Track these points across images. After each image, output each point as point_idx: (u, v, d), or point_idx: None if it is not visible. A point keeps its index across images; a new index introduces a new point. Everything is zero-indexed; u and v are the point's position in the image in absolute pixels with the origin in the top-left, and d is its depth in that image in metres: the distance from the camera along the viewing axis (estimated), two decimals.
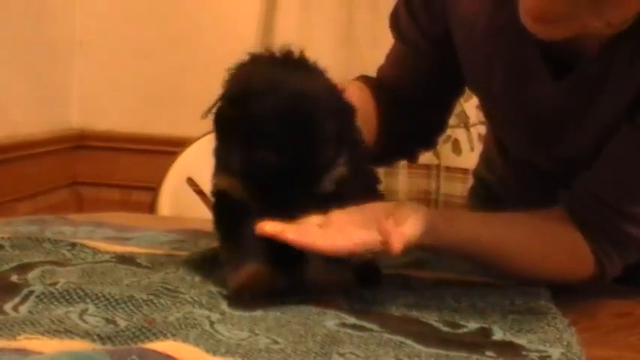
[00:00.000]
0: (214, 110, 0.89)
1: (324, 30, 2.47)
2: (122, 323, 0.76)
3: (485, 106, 1.22)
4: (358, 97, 1.10)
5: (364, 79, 1.22)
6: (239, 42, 2.53)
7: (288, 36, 2.44)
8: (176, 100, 2.64)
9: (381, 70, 1.26)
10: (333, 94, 0.89)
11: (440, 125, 1.29)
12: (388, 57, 1.26)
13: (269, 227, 0.82)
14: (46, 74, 2.53)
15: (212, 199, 0.94)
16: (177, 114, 2.61)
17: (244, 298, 0.84)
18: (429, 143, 1.29)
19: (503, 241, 0.98)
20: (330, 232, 0.85)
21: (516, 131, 1.15)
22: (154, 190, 1.75)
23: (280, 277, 0.87)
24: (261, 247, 0.86)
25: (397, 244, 0.83)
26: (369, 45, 2.44)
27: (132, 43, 2.65)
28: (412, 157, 1.30)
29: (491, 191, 1.34)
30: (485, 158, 1.37)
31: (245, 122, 0.84)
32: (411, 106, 1.20)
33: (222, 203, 0.92)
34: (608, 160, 1.01)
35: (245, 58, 0.91)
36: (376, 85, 1.21)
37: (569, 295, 0.98)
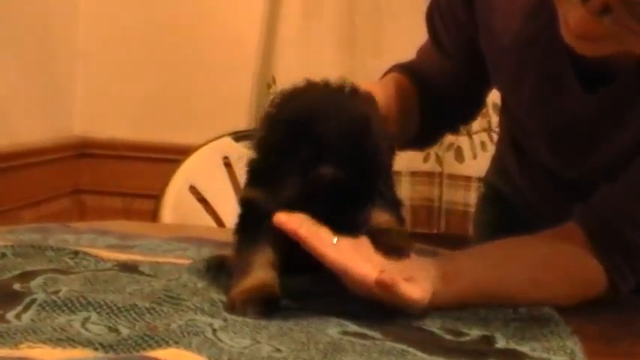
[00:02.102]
0: (268, 129, 0.90)
1: (327, 39, 2.47)
2: (124, 331, 0.76)
3: (511, 113, 1.22)
4: (398, 87, 1.19)
5: (399, 68, 1.26)
6: (241, 51, 2.55)
7: (290, 45, 2.45)
8: (179, 108, 2.64)
9: (416, 61, 1.28)
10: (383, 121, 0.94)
11: (477, 105, 1.31)
12: (422, 51, 1.28)
13: (286, 219, 0.83)
14: (49, 82, 2.53)
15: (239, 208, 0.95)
16: (179, 122, 2.62)
17: (241, 308, 0.84)
18: (468, 118, 1.36)
19: (509, 282, 0.97)
20: (347, 249, 0.85)
21: (543, 141, 1.14)
22: (156, 198, 1.75)
23: (282, 291, 0.88)
24: (274, 258, 0.88)
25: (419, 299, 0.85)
26: (372, 54, 2.44)
27: (134, 51, 2.65)
28: (454, 130, 1.38)
29: (503, 198, 1.34)
30: (498, 167, 1.37)
31: (312, 142, 0.86)
32: (446, 93, 1.24)
33: (247, 213, 0.93)
34: (631, 175, 1.00)
35: (299, 84, 0.96)
36: (412, 71, 1.24)
37: None
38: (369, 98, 0.94)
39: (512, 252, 1.00)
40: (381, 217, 0.92)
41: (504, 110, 1.28)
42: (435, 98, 1.23)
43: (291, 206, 0.86)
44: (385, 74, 1.27)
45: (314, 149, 0.85)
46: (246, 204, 0.94)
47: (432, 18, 1.23)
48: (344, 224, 0.87)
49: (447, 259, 0.99)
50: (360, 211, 0.89)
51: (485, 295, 0.94)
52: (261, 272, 0.87)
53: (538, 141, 1.15)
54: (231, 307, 0.85)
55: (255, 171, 0.92)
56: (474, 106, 1.32)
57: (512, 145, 1.27)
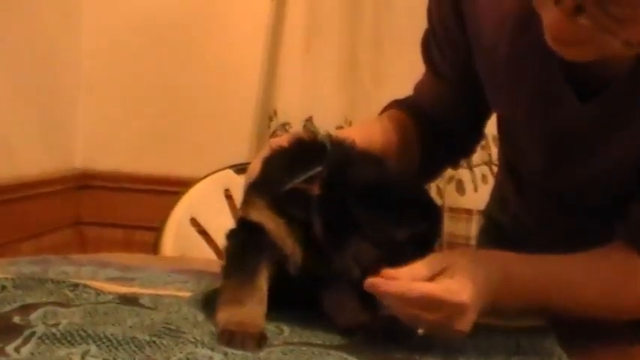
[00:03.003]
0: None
1: (328, 71, 2.49)
2: None
3: (508, 131, 1.22)
4: (396, 123, 1.20)
5: (397, 104, 1.26)
6: (243, 84, 2.56)
7: (292, 78, 2.46)
8: (180, 140, 2.65)
9: (414, 96, 1.29)
10: None
11: (476, 136, 1.32)
12: (420, 85, 1.29)
13: (377, 282, 0.86)
14: (51, 114, 2.54)
15: (235, 226, 0.97)
16: (180, 154, 2.62)
17: (231, 340, 0.84)
18: (468, 151, 1.35)
19: (560, 292, 0.98)
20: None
21: (539, 158, 1.14)
22: (157, 230, 1.75)
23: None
24: (265, 288, 0.89)
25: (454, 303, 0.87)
26: (374, 86, 2.45)
27: (136, 84, 2.67)
28: (454, 164, 1.38)
29: (502, 231, 1.33)
30: (497, 197, 1.37)
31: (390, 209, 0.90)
32: (445, 125, 1.24)
33: (245, 234, 0.94)
34: None
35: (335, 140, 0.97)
36: (410, 106, 1.25)
37: (574, 336, 0.97)
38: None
39: (559, 270, 1.00)
40: (361, 315, 0.93)
41: (501, 133, 1.27)
42: (434, 132, 1.24)
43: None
44: (383, 111, 1.28)
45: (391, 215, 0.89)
46: (245, 225, 0.94)
47: (428, 45, 1.24)
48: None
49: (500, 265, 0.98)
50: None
51: (545, 303, 0.97)
52: (255, 306, 0.88)
53: (535, 159, 1.15)
54: (229, 339, 0.84)
55: (264, 189, 0.93)
56: (473, 137, 1.32)
57: (509, 170, 1.28)
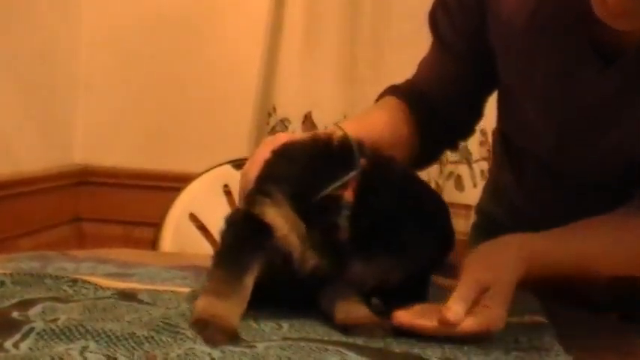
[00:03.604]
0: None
1: (327, 68, 2.49)
2: None
3: (516, 108, 1.21)
4: (395, 114, 1.20)
5: (393, 90, 1.26)
6: (242, 80, 2.56)
7: (291, 74, 2.46)
8: (178, 136, 2.65)
9: (416, 74, 1.29)
10: None
11: (476, 117, 1.31)
12: (424, 61, 1.28)
13: (403, 318, 0.89)
14: (50, 111, 2.54)
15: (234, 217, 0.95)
16: (179, 150, 2.62)
17: (202, 330, 0.84)
18: (467, 133, 1.35)
19: (591, 247, 1.02)
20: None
21: (552, 130, 1.14)
22: (156, 225, 1.75)
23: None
24: (251, 288, 0.89)
25: (496, 328, 0.90)
26: (373, 83, 2.44)
27: (135, 80, 2.66)
28: (454, 147, 1.38)
29: (495, 224, 1.34)
30: (491, 189, 1.37)
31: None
32: (445, 106, 1.24)
33: (247, 229, 0.92)
34: None
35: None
36: (408, 91, 1.25)
37: (573, 332, 0.98)
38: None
39: (588, 226, 1.04)
40: (360, 312, 0.93)
41: (505, 111, 1.27)
42: (433, 116, 1.23)
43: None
44: (379, 97, 1.27)
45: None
46: (248, 218, 0.92)
47: (436, 15, 1.23)
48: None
49: (528, 246, 1.00)
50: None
51: (571, 266, 1.00)
52: (236, 303, 0.87)
53: (546, 135, 1.15)
54: (200, 328, 0.84)
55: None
56: (472, 118, 1.31)
57: (509, 155, 1.27)
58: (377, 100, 1.28)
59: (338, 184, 0.89)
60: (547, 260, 0.99)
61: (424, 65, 1.28)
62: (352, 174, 0.90)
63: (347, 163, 0.91)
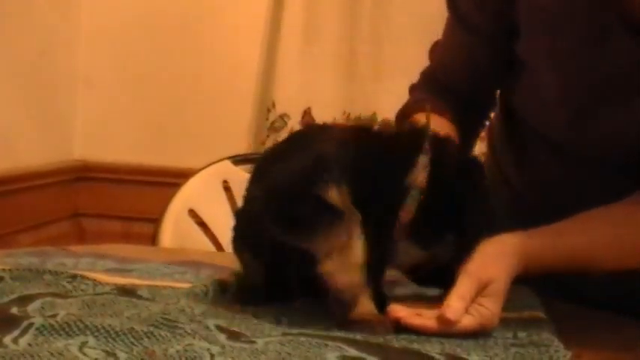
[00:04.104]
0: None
1: (327, 64, 2.49)
2: (122, 356, 0.75)
3: (531, 85, 1.19)
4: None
5: (421, 105, 1.20)
6: (241, 76, 2.56)
7: (290, 70, 2.46)
8: (178, 132, 2.65)
9: (436, 63, 1.28)
10: None
11: (493, 102, 1.30)
12: (443, 47, 1.26)
13: (401, 313, 0.89)
14: (49, 106, 2.54)
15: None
16: (178, 146, 2.62)
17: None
18: (484, 120, 1.33)
19: (590, 241, 1.01)
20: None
21: (569, 107, 1.13)
22: (155, 221, 1.75)
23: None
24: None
25: (490, 326, 0.91)
26: (372, 79, 2.45)
27: (134, 76, 2.66)
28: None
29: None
30: (488, 178, 1.36)
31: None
32: (469, 94, 1.23)
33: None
34: None
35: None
36: (431, 98, 1.22)
37: (572, 328, 0.98)
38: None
39: (587, 219, 1.03)
40: (363, 307, 0.91)
41: (519, 95, 1.24)
42: (460, 104, 1.22)
43: None
44: (408, 112, 1.22)
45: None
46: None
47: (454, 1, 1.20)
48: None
49: (526, 244, 0.99)
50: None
51: (574, 263, 1.00)
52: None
53: (563, 109, 1.14)
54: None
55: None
56: (491, 104, 1.31)
57: (512, 141, 1.26)
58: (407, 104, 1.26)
59: (414, 169, 0.91)
60: (545, 257, 0.99)
61: (443, 51, 1.26)
62: (425, 159, 0.91)
63: (421, 149, 0.92)
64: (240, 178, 1.42)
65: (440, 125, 1.15)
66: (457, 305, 0.89)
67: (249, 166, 0.95)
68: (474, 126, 1.29)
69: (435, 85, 1.26)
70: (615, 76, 1.07)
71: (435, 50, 1.28)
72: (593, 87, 1.09)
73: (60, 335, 0.79)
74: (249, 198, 0.97)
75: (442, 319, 0.89)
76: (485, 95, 1.27)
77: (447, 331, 0.89)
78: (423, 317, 0.90)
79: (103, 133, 2.69)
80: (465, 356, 0.84)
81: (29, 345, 0.77)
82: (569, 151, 1.16)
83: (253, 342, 0.82)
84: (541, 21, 1.11)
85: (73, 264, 1.16)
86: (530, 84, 1.19)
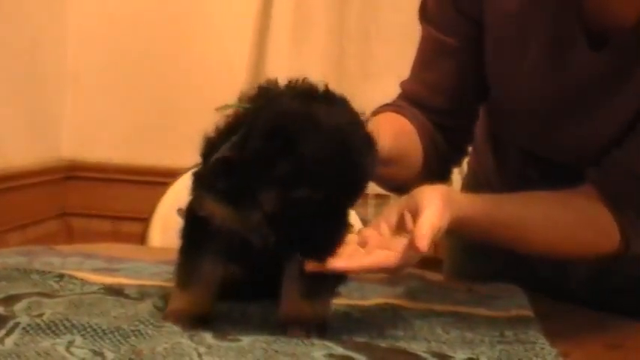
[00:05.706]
0: (236, 142, 0.91)
1: (316, 63, 2.49)
2: (109, 355, 0.75)
3: (504, 96, 1.18)
4: (397, 128, 1.13)
5: (391, 107, 1.20)
6: (230, 75, 2.55)
7: (279, 69, 2.45)
8: (166, 131, 2.64)
9: (410, 82, 1.23)
10: (364, 127, 0.91)
11: (468, 134, 1.26)
12: (417, 65, 1.22)
13: (338, 263, 0.84)
14: (37, 105, 2.53)
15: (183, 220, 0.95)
16: (167, 145, 2.62)
17: (177, 322, 0.86)
18: (461, 155, 1.28)
19: (526, 215, 1.01)
20: (372, 249, 0.88)
21: (538, 119, 1.13)
22: (144, 220, 1.75)
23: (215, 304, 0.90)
24: (215, 277, 0.89)
25: (422, 247, 0.86)
26: (361, 78, 2.45)
27: (123, 74, 2.66)
28: (446, 177, 1.27)
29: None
30: (471, 181, 1.36)
31: (291, 160, 0.82)
32: (447, 115, 1.19)
33: (196, 228, 0.92)
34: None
35: (267, 89, 0.96)
36: (406, 106, 1.19)
37: (559, 325, 0.98)
38: (344, 101, 0.94)
39: (533, 195, 1.04)
40: (300, 310, 0.88)
41: (489, 106, 1.23)
42: (436, 126, 1.19)
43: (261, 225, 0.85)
44: (375, 112, 1.19)
45: (291, 169, 0.82)
46: (193, 218, 0.92)
47: (425, 8, 1.19)
48: (318, 244, 0.85)
49: (459, 208, 0.97)
50: (335, 231, 0.85)
51: (506, 227, 1.00)
52: (198, 290, 0.89)
53: (532, 121, 1.14)
54: (174, 320, 0.87)
55: (219, 184, 0.92)
56: (473, 120, 1.26)
57: (492, 145, 1.27)
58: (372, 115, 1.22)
59: (224, 148, 0.93)
60: (480, 218, 0.98)
61: (418, 69, 1.22)
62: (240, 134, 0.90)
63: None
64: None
65: (392, 121, 1.15)
66: (429, 234, 0.87)
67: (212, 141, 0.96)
68: (455, 142, 1.23)
69: (413, 101, 1.22)
70: (577, 89, 1.08)
71: (413, 67, 1.23)
72: (557, 99, 1.10)
73: (47, 335, 0.79)
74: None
75: (414, 245, 0.86)
76: (466, 111, 1.22)
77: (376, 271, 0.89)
78: (355, 259, 0.87)
79: (91, 132, 2.68)
80: (451, 354, 0.85)
81: (16, 344, 0.77)
82: (542, 158, 1.17)
83: (240, 340, 0.82)
84: (506, 31, 1.12)
85: (61, 263, 1.15)
86: (497, 96, 1.20)
